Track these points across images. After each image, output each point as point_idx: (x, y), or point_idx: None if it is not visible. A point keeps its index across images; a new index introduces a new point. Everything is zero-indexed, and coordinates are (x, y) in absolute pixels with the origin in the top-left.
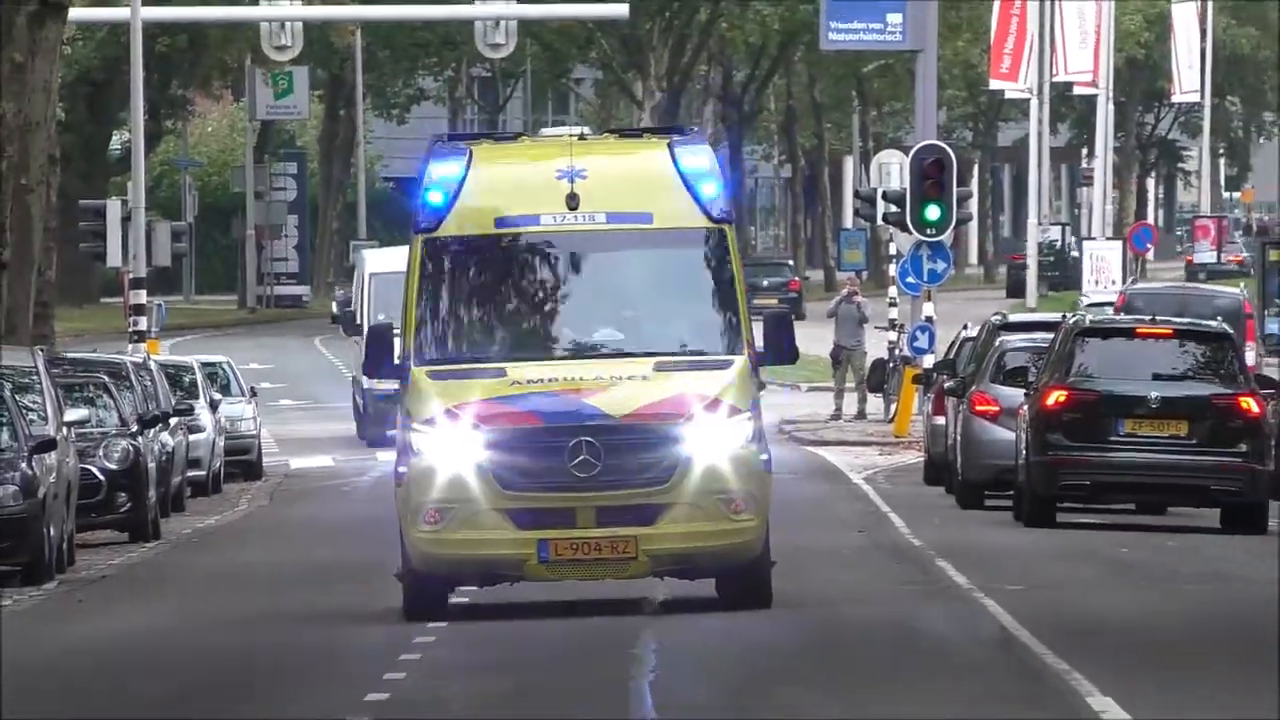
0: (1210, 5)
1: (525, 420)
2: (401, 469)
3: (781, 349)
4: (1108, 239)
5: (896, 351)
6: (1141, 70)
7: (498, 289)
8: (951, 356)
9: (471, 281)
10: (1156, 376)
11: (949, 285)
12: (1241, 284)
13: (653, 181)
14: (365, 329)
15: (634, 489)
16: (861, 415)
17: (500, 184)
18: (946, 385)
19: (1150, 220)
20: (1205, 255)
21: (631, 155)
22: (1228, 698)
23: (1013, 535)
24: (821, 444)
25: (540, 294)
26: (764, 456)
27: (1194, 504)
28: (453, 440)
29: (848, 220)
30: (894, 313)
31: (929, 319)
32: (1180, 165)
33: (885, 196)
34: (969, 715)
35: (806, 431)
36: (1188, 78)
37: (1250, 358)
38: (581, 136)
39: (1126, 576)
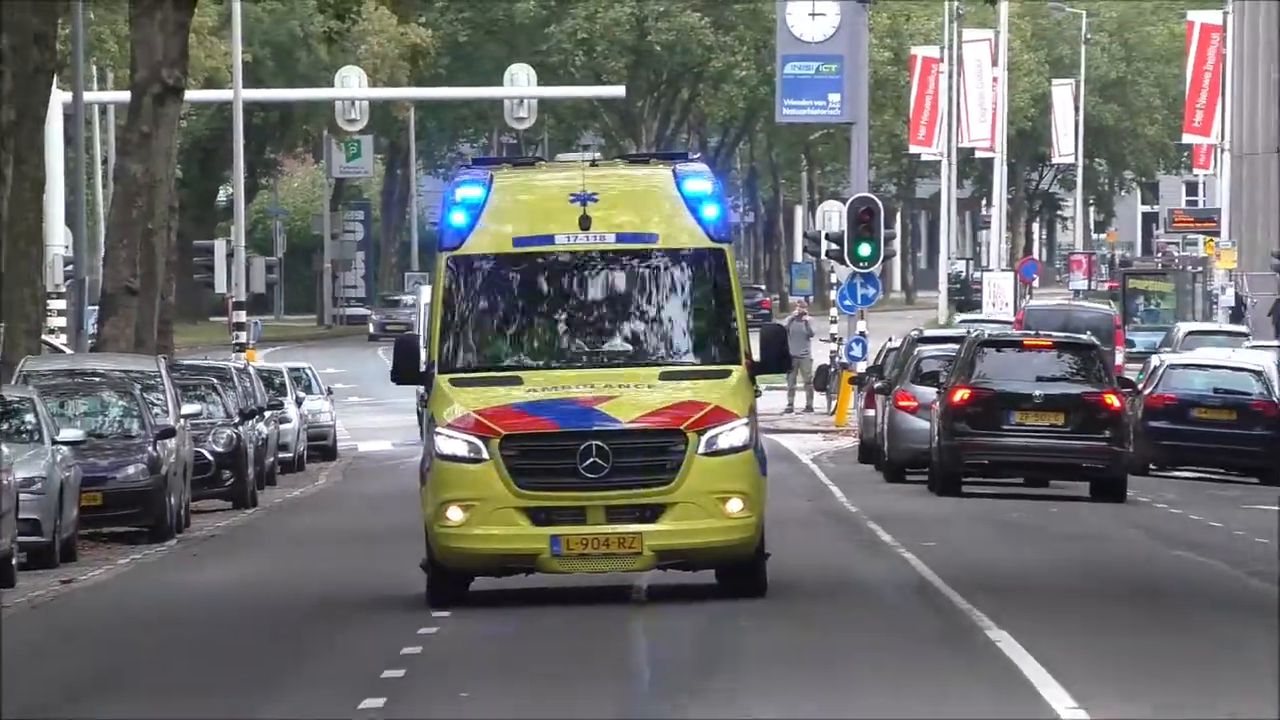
0: (1082, 87)
1: (541, 426)
2: (427, 468)
3: (776, 358)
4: (1002, 270)
5: (836, 359)
6: (1028, 138)
7: (515, 303)
8: (879, 363)
9: (491, 296)
10: (1039, 378)
11: (877, 307)
12: (1111, 303)
13: (658, 204)
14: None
15: (640, 489)
16: (809, 409)
17: (518, 206)
18: (876, 385)
19: (1035, 256)
20: (1079, 283)
21: (639, 179)
22: (1096, 628)
23: (927, 503)
24: (777, 431)
25: (555, 308)
26: (760, 459)
27: (1069, 478)
28: (473, 443)
29: (798, 256)
30: (834, 328)
31: (862, 333)
32: (1059, 212)
33: (827, 237)
34: (893, 643)
35: (765, 422)
36: (1064, 144)
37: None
38: (593, 163)
39: (1016, 535)
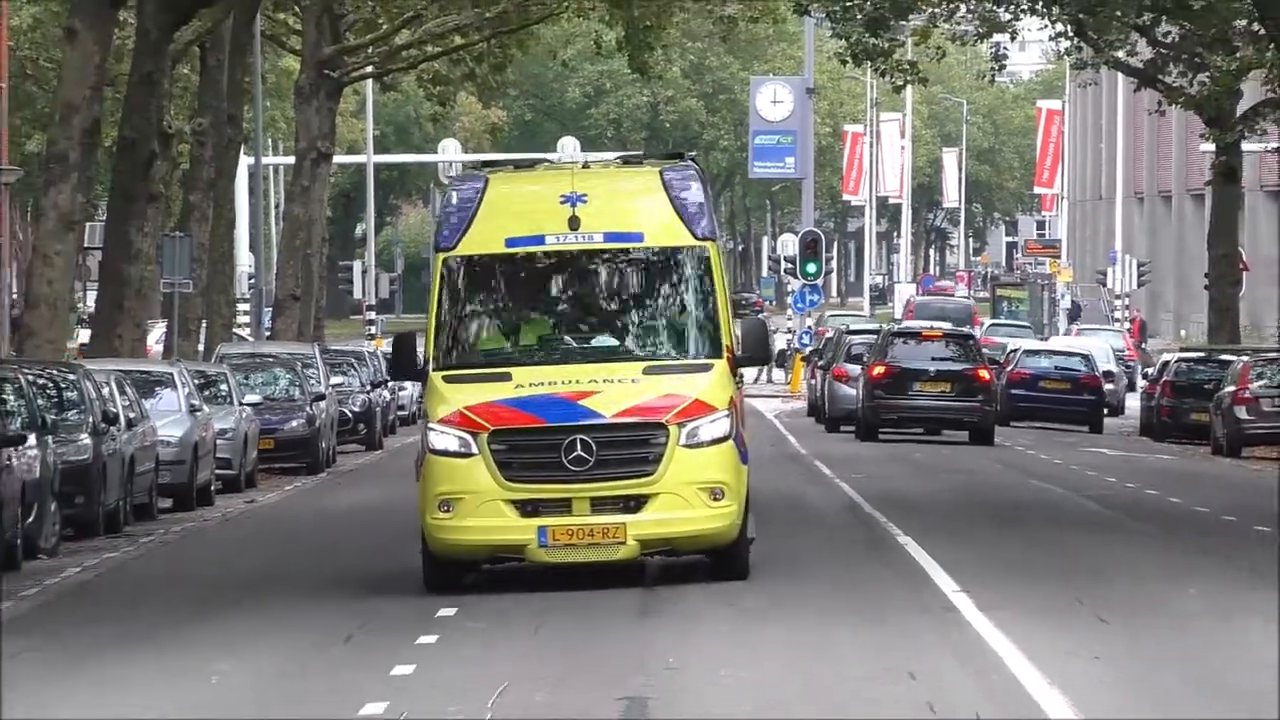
0: (964, 154)
1: (528, 421)
2: (419, 462)
3: (758, 350)
4: (908, 283)
5: (791, 344)
6: (925, 189)
7: (507, 301)
8: (820, 347)
9: (484, 295)
10: (933, 358)
11: (819, 309)
12: (970, 295)
13: (645, 204)
14: None
15: (623, 480)
16: (771, 380)
17: (511, 208)
18: (818, 363)
19: (932, 273)
20: (962, 291)
21: (627, 181)
22: (974, 536)
23: (855, 447)
24: (749, 396)
25: (544, 306)
26: (741, 450)
27: (954, 429)
28: (463, 438)
29: (764, 272)
30: (790, 323)
31: (809, 327)
32: (947, 241)
33: (785, 259)
34: (832, 545)
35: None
36: (951, 193)
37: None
38: (585, 165)
39: (918, 469)
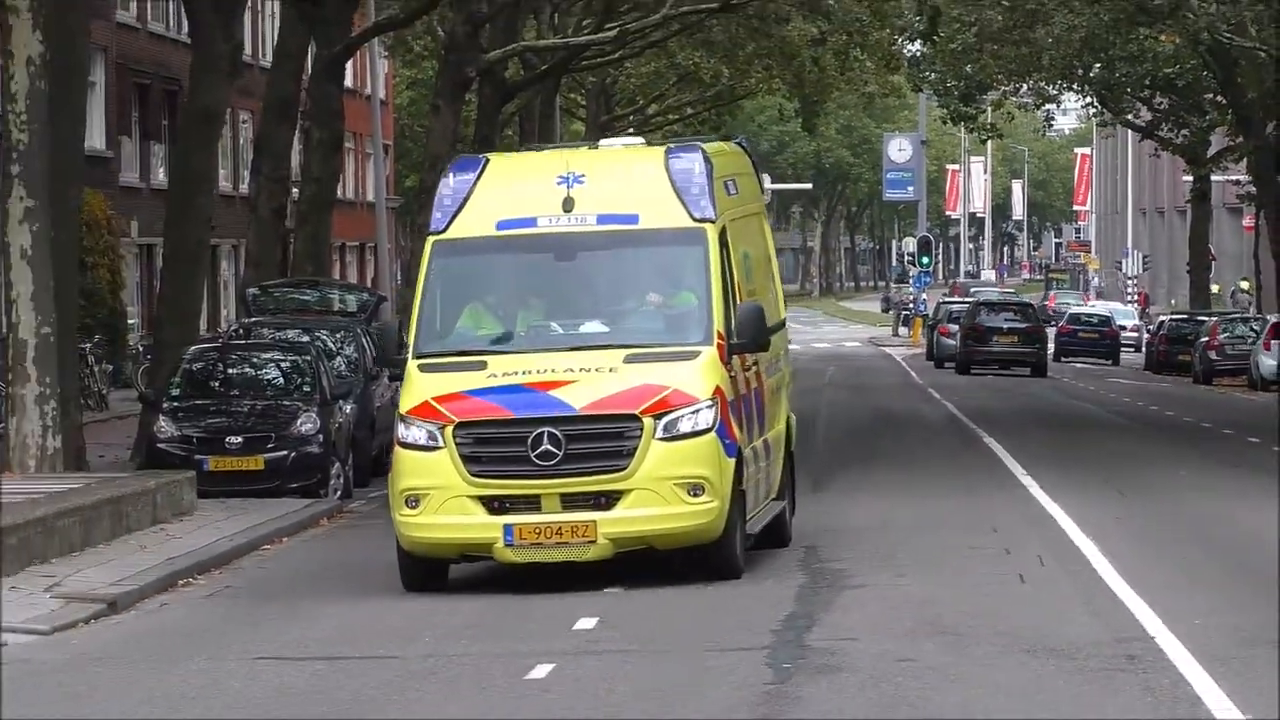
0: (1025, 183)
1: (494, 412)
2: (390, 455)
3: (754, 336)
4: (989, 270)
5: (913, 309)
6: (1000, 207)
7: (493, 286)
8: (932, 313)
9: (470, 279)
10: (1006, 319)
11: (930, 288)
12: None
13: (643, 185)
14: None
15: (594, 476)
16: (897, 334)
17: (506, 189)
18: (930, 323)
19: (1004, 263)
20: (1024, 276)
21: (628, 160)
22: (1038, 437)
23: (954, 378)
24: (889, 345)
25: (530, 291)
26: (727, 441)
27: (1019, 366)
28: (431, 430)
29: (894, 262)
30: (911, 296)
31: (923, 299)
32: (1015, 243)
33: (908, 254)
34: (938, 442)
35: (881, 342)
36: (1016, 210)
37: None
38: (594, 146)
39: (996, 393)
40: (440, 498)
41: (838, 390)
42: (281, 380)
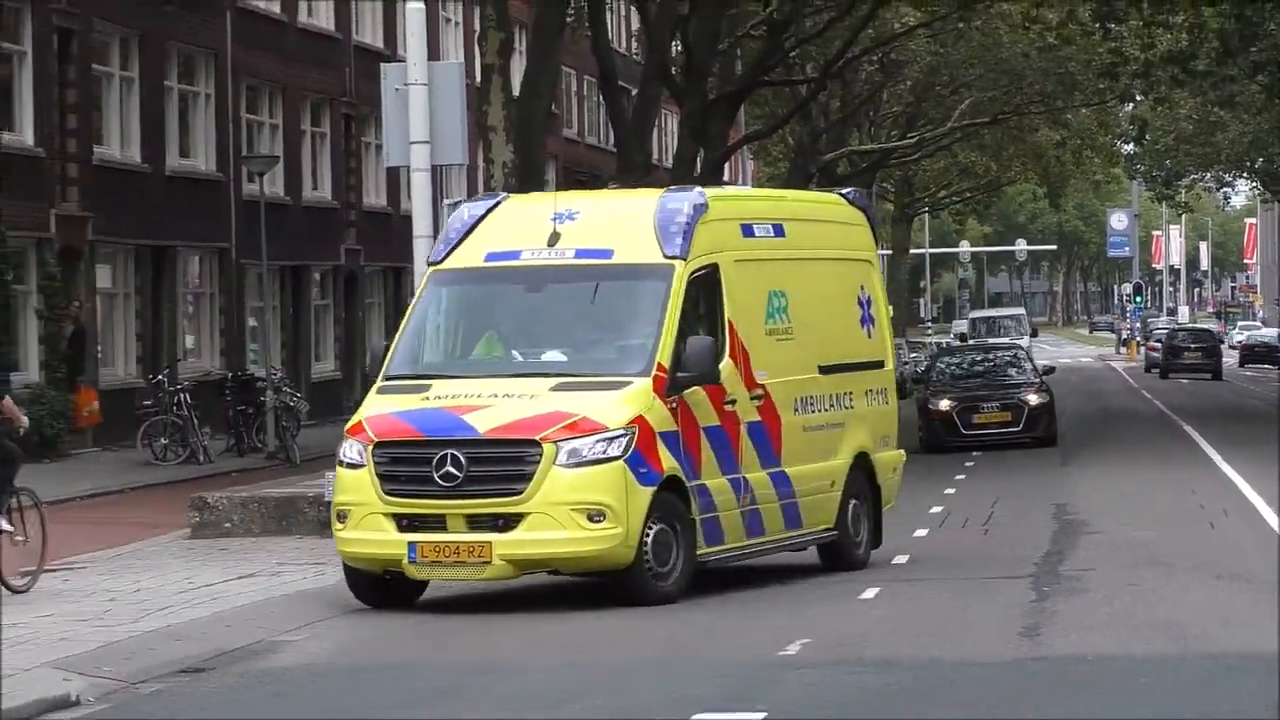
0: (1209, 243)
1: (406, 433)
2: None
3: (700, 369)
4: (1184, 306)
5: (1129, 332)
6: (1192, 261)
7: (469, 314)
8: (1142, 335)
9: (451, 307)
10: (1192, 340)
11: (1143, 318)
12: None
13: (628, 223)
14: None
15: (493, 499)
16: (1119, 353)
17: (506, 224)
18: (1139, 342)
19: (1196, 303)
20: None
21: (623, 201)
22: (1222, 424)
23: (1159, 383)
24: (1115, 359)
25: (496, 319)
26: (642, 470)
27: (1204, 374)
28: (359, 449)
29: (1116, 300)
30: (1126, 324)
31: (1138, 327)
32: (1201, 286)
33: (1126, 295)
34: (1148, 429)
35: (1107, 359)
36: (1205, 263)
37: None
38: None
39: (1189, 393)
40: (360, 514)
41: (1076, 393)
42: None
